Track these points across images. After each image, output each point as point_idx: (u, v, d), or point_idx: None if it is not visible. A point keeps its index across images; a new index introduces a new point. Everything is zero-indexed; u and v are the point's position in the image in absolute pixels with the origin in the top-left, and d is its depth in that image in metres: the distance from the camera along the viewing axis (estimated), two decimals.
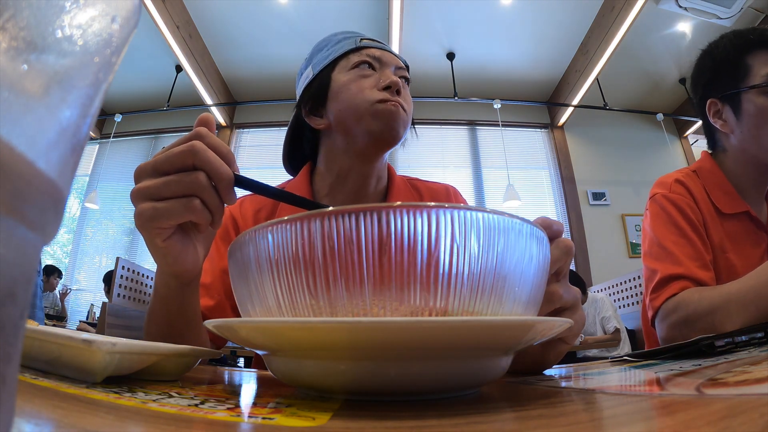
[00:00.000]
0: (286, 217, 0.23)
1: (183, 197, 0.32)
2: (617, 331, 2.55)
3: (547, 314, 0.33)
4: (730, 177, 0.83)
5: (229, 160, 0.34)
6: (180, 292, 0.41)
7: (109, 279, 2.88)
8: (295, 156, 0.76)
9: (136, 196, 0.33)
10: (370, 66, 0.65)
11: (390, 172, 0.74)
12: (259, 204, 0.68)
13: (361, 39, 0.68)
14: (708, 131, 0.88)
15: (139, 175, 0.34)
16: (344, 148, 0.65)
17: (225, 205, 0.35)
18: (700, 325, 0.65)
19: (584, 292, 2.81)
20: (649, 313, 0.76)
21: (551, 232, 0.33)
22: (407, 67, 0.69)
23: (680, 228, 0.77)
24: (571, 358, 2.46)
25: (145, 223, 0.33)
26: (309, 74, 0.69)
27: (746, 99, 0.77)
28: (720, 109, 0.81)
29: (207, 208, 0.33)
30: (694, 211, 0.79)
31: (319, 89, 0.67)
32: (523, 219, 0.24)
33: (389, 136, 0.62)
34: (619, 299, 2.51)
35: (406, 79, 0.68)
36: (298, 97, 0.71)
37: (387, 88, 0.62)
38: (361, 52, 0.65)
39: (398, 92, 0.62)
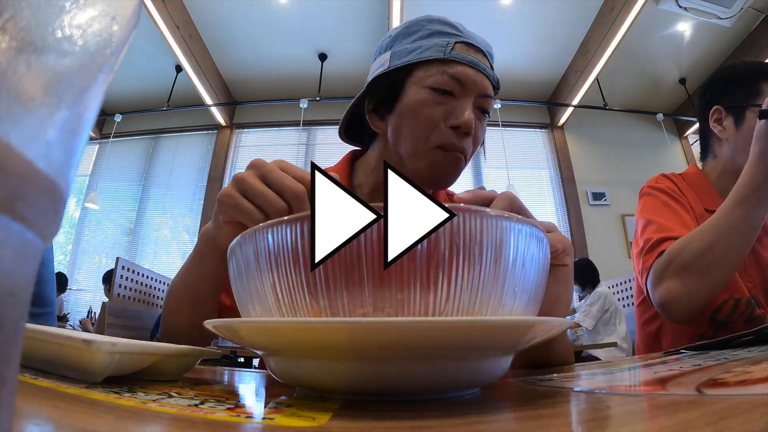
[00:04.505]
0: (285, 217, 0.23)
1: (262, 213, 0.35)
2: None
3: None
4: (716, 184, 0.89)
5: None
6: (221, 258, 0.44)
7: (109, 278, 2.88)
8: (354, 132, 0.70)
9: (237, 189, 0.35)
10: (449, 93, 0.56)
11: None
12: None
13: (456, 43, 0.57)
14: (703, 136, 0.93)
15: (243, 182, 0.36)
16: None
17: None
18: (697, 267, 0.67)
19: (594, 285, 2.81)
20: (643, 278, 0.77)
21: (489, 198, 0.33)
22: (497, 87, 0.60)
23: (669, 206, 0.84)
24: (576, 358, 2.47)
25: (229, 210, 0.36)
26: (385, 62, 0.61)
27: (750, 115, 0.82)
28: (722, 117, 0.87)
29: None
30: (681, 197, 0.86)
31: (388, 92, 0.60)
32: (522, 219, 0.24)
33: (437, 186, 0.59)
34: (619, 299, 2.50)
35: (486, 111, 0.59)
36: (368, 80, 0.63)
37: (456, 128, 0.55)
38: (447, 68, 0.56)
39: (467, 133, 0.56)
